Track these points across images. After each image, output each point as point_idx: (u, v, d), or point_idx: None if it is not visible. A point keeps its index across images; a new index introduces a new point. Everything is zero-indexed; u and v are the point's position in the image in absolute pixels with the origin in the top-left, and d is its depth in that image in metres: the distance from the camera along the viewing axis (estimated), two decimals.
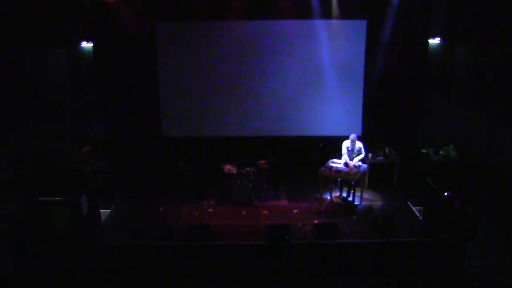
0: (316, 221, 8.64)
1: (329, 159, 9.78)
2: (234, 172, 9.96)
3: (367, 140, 10.30)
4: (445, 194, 7.78)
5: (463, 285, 7.44)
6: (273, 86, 10.85)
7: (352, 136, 9.53)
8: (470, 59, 9.38)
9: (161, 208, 9.59)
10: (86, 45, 10.53)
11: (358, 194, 9.67)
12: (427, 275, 7.56)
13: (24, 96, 8.30)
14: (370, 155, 10.33)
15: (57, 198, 7.79)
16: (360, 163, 9.49)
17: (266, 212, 9.37)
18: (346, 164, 9.45)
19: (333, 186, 10.08)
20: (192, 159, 10.60)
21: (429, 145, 10.24)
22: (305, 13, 10.29)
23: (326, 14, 10.34)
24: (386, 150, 10.47)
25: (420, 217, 8.94)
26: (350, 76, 10.74)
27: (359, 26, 10.48)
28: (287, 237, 8.00)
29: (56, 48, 9.46)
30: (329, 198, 10.02)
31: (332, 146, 9.86)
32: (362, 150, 9.52)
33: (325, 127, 11.01)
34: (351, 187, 9.63)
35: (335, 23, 10.42)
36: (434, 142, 10.23)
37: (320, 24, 10.42)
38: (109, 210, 9.44)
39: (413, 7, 10.13)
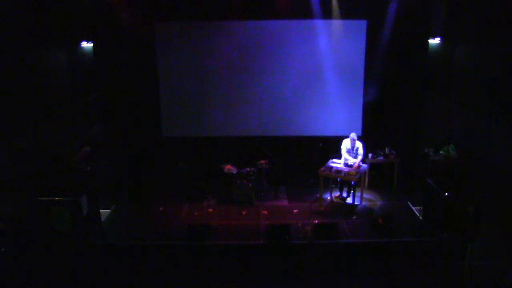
0: (316, 221, 8.64)
1: (329, 159, 9.78)
2: (234, 172, 9.96)
3: (367, 140, 10.30)
4: (445, 194, 7.78)
5: (463, 285, 7.43)
6: (273, 86, 10.85)
7: (352, 135, 9.53)
8: (470, 59, 9.37)
9: (161, 208, 9.60)
10: (86, 45, 10.52)
11: (358, 194, 9.68)
12: (427, 275, 7.56)
13: (24, 96, 8.29)
14: (370, 155, 10.33)
15: (57, 198, 7.78)
16: (361, 163, 9.49)
17: (266, 212, 9.38)
18: (346, 164, 9.45)
19: (333, 186, 10.08)
20: (192, 159, 10.61)
21: (429, 145, 10.22)
22: (305, 13, 10.29)
23: (326, 14, 10.33)
24: (386, 150, 10.47)
25: (420, 217, 8.94)
26: (350, 76, 10.74)
27: (359, 26, 10.49)
28: (287, 237, 8.00)
29: (56, 48, 9.46)
30: (329, 198, 10.02)
31: (332, 146, 9.85)
32: (361, 149, 9.50)
33: (325, 127, 11.01)
34: (351, 187, 9.63)
35: (335, 23, 10.43)
36: (434, 142, 10.22)
37: (320, 24, 10.43)
38: (109, 210, 9.45)
39: (413, 7, 10.12)
